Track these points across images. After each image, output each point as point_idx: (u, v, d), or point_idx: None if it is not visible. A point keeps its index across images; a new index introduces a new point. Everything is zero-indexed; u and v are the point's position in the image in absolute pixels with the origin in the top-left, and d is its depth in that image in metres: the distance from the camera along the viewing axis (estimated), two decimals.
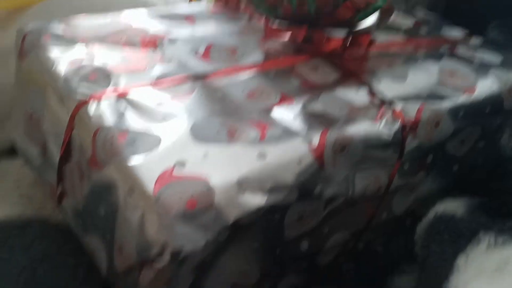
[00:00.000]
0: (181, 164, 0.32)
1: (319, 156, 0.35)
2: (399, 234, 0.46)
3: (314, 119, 0.37)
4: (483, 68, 0.48)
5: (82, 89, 0.38)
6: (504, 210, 0.44)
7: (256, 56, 0.44)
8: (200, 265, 0.32)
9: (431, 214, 0.43)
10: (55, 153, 0.39)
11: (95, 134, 0.35)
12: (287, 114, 0.38)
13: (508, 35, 0.59)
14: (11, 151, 0.48)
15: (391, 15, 0.45)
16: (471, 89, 0.45)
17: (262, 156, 0.33)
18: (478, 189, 0.48)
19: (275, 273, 0.38)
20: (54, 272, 0.41)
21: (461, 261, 0.37)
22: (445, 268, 0.37)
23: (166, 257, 0.30)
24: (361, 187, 0.39)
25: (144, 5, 0.56)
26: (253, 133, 0.35)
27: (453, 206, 0.43)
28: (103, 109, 0.36)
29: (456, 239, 0.39)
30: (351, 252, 0.44)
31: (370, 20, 0.46)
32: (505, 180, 0.51)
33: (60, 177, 0.39)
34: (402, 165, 0.41)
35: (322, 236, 0.39)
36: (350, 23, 0.45)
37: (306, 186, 0.34)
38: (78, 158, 0.37)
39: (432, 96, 0.43)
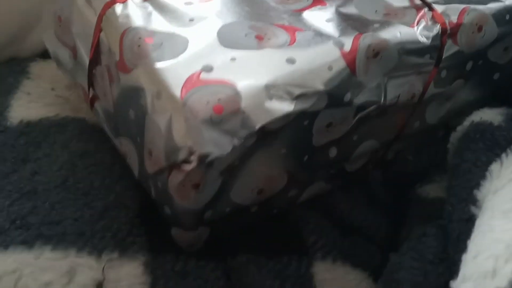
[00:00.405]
0: (208, 68, 0.32)
1: (351, 61, 0.34)
2: (431, 144, 0.45)
3: (347, 22, 0.36)
4: None
5: None
6: None
7: None
8: (228, 169, 0.32)
9: (466, 123, 0.41)
10: (85, 56, 0.39)
11: (122, 35, 0.34)
12: (319, 17, 0.36)
13: None
14: (46, 54, 0.49)
15: None
16: None
17: (291, 61, 0.32)
18: None
19: (303, 179, 0.39)
20: (93, 168, 0.42)
21: (494, 168, 0.35)
22: (477, 175, 0.36)
23: (194, 161, 0.30)
24: (394, 95, 0.38)
25: None
26: (282, 37, 0.34)
27: (490, 115, 0.41)
28: (130, 10, 0.35)
29: (491, 147, 0.38)
30: (380, 160, 0.44)
31: None
32: None
33: (91, 81, 0.40)
34: (439, 73, 0.40)
35: (352, 143, 0.39)
36: None
37: (336, 92, 0.34)
38: (107, 61, 0.37)
39: None
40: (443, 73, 0.40)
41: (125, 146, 0.37)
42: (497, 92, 0.46)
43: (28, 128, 0.46)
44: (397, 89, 0.38)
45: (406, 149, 0.45)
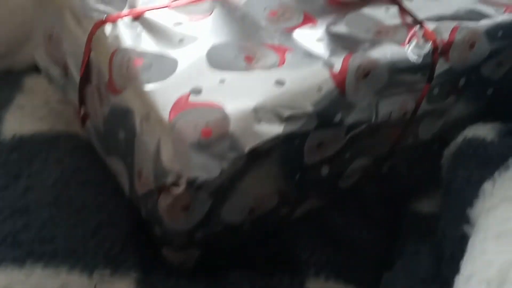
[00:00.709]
0: (197, 90, 0.32)
1: (341, 82, 0.34)
2: (425, 159, 0.45)
3: (337, 42, 0.36)
4: None
5: (99, 9, 0.36)
6: None
7: None
8: (217, 191, 0.32)
9: (459, 138, 0.41)
10: (76, 74, 0.39)
11: (111, 56, 0.34)
12: (309, 37, 0.36)
13: None
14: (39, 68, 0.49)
15: None
16: None
17: (280, 82, 0.32)
18: None
19: (294, 197, 0.39)
20: (85, 185, 0.42)
21: (487, 186, 0.35)
22: (470, 193, 0.36)
23: (182, 185, 0.30)
24: (386, 113, 0.38)
25: None
26: (272, 58, 0.34)
27: (483, 131, 0.41)
28: (119, 30, 0.35)
29: (484, 164, 0.38)
30: (374, 175, 0.44)
31: None
32: None
33: (82, 99, 0.39)
34: (431, 90, 0.39)
35: (344, 161, 0.39)
36: None
37: (326, 113, 0.33)
38: (97, 81, 0.37)
39: (469, 14, 0.40)
40: (436, 90, 0.40)
41: (115, 165, 0.37)
42: (491, 107, 0.46)
43: (20, 143, 0.46)
44: (389, 107, 0.38)
45: (400, 164, 0.45)
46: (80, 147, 0.45)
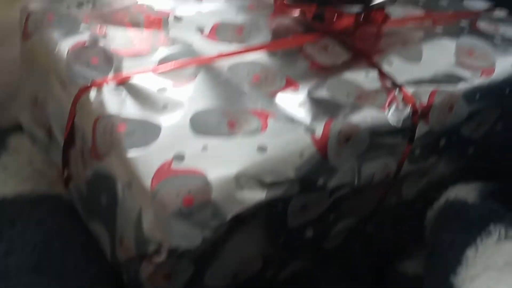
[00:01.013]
0: (180, 157, 0.32)
1: (322, 147, 0.34)
2: (409, 218, 0.45)
3: (319, 106, 0.36)
4: (504, 45, 0.46)
5: (84, 74, 0.37)
6: None
7: (263, 35, 0.43)
8: (200, 258, 0.32)
9: (442, 200, 0.41)
10: (60, 137, 0.39)
11: (95, 122, 0.35)
12: (291, 101, 0.36)
13: None
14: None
15: None
16: (489, 69, 0.43)
17: (262, 149, 0.33)
18: (494, 172, 0.47)
19: (279, 260, 0.38)
20: (67, 249, 0.41)
21: (470, 253, 0.36)
22: (454, 258, 0.36)
23: (163, 253, 0.30)
24: (368, 176, 0.38)
25: None
26: (254, 123, 0.34)
27: (465, 192, 0.42)
28: (104, 96, 0.35)
29: (467, 227, 0.38)
30: (358, 236, 0.44)
31: None
32: None
33: (66, 161, 0.39)
34: (413, 151, 0.40)
35: (328, 223, 0.39)
36: (362, 0, 0.43)
37: (308, 178, 0.34)
38: (80, 145, 0.37)
39: (447, 78, 0.41)
40: (417, 151, 0.40)
41: (97, 229, 0.37)
42: (473, 165, 0.47)
43: (3, 204, 0.45)
44: (371, 170, 0.38)
45: (385, 223, 0.45)
46: (62, 209, 0.45)
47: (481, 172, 0.47)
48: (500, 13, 0.51)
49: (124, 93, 0.36)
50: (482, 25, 0.48)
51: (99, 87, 0.36)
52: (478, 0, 0.53)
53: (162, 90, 0.36)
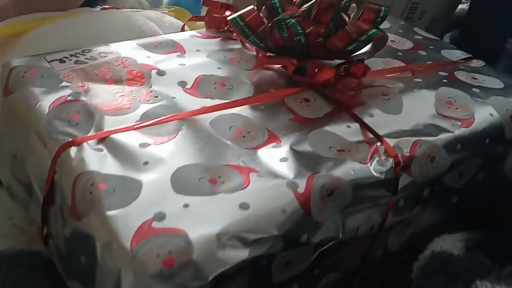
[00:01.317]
0: (160, 216, 0.31)
1: (305, 202, 0.34)
2: (395, 270, 0.45)
3: (301, 161, 0.36)
4: (483, 95, 0.46)
5: (65, 131, 0.37)
6: (505, 246, 0.42)
7: (246, 89, 0.43)
8: None
9: (427, 252, 0.41)
10: (39, 194, 0.38)
11: (75, 180, 0.34)
12: (273, 156, 0.36)
13: None
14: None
15: (385, 43, 0.44)
16: (469, 119, 0.43)
17: (244, 206, 0.32)
18: (480, 220, 0.47)
19: None
20: None
21: None
22: None
23: None
24: (353, 229, 0.38)
25: (139, 32, 0.56)
26: (236, 179, 0.34)
27: (450, 243, 0.41)
28: (84, 154, 0.35)
29: (453, 281, 0.37)
30: None
31: (365, 48, 0.44)
32: (509, 207, 0.49)
33: (45, 219, 0.39)
34: (396, 202, 0.40)
35: (313, 277, 0.38)
36: (343, 53, 0.44)
37: (292, 235, 0.33)
38: (60, 203, 0.36)
39: (428, 129, 0.41)
40: (401, 202, 0.40)
41: None
42: (458, 213, 0.46)
43: None
44: (356, 223, 0.38)
45: (371, 276, 0.45)
46: (41, 267, 0.44)
47: (466, 220, 0.47)
48: (477, 62, 0.53)
49: (105, 150, 0.36)
50: (460, 75, 0.49)
51: (80, 144, 0.36)
52: (455, 50, 0.55)
53: (144, 146, 0.36)
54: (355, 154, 0.38)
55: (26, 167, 0.40)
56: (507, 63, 0.76)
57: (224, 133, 0.38)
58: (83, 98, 0.40)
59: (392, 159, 0.38)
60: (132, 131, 0.37)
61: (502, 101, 0.46)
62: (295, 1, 0.47)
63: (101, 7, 0.68)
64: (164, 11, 0.69)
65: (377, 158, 0.38)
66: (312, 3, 0.43)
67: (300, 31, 0.42)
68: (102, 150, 0.35)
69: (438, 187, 0.42)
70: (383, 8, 0.45)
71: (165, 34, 0.52)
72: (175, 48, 0.48)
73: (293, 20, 0.42)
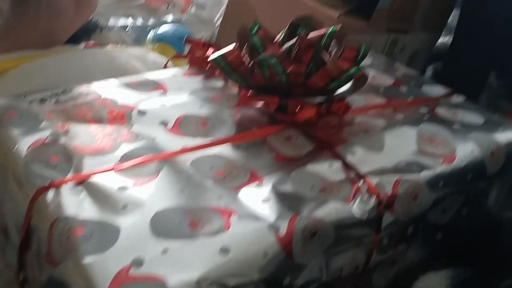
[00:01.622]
0: (139, 262, 0.30)
1: (287, 245, 0.33)
2: None
3: (283, 202, 0.36)
4: (463, 131, 0.47)
5: (42, 174, 0.36)
6: (488, 282, 0.42)
7: (227, 128, 0.43)
8: None
9: None
10: (16, 239, 0.37)
11: (52, 225, 0.33)
12: (255, 197, 0.36)
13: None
14: None
15: (365, 81, 0.44)
16: (450, 156, 0.43)
17: (225, 250, 0.32)
18: (464, 257, 0.46)
19: None
20: None
21: None
22: None
23: None
24: (337, 269, 0.37)
25: (122, 71, 0.56)
26: (217, 222, 0.33)
27: (436, 281, 0.41)
28: (61, 198, 0.35)
29: None
30: None
31: (345, 86, 0.45)
32: (493, 242, 0.49)
33: (21, 264, 0.38)
34: (380, 241, 0.39)
35: None
36: (323, 92, 0.44)
37: (274, 278, 0.33)
38: (36, 249, 0.35)
39: (410, 166, 0.41)
40: (385, 240, 0.40)
41: None
42: (443, 249, 0.46)
43: None
44: (339, 263, 0.37)
45: None
46: None
47: (451, 256, 0.46)
48: (458, 98, 0.53)
49: (83, 193, 0.35)
50: (441, 111, 0.50)
51: (57, 187, 0.35)
52: (436, 85, 0.55)
53: (123, 189, 0.35)
54: (338, 193, 0.37)
55: (3, 211, 0.39)
56: (491, 95, 0.77)
57: (205, 174, 0.38)
58: (62, 140, 0.39)
59: (374, 198, 0.38)
60: (112, 172, 0.37)
61: (483, 137, 0.46)
62: (276, 41, 0.47)
63: (85, 44, 0.68)
64: (148, 48, 0.69)
65: (359, 198, 0.38)
66: (292, 43, 0.44)
67: (280, 71, 0.42)
68: (80, 193, 0.35)
69: (421, 224, 0.42)
70: (363, 46, 0.46)
71: (148, 71, 0.52)
72: (156, 87, 0.48)
73: (273, 61, 0.42)
